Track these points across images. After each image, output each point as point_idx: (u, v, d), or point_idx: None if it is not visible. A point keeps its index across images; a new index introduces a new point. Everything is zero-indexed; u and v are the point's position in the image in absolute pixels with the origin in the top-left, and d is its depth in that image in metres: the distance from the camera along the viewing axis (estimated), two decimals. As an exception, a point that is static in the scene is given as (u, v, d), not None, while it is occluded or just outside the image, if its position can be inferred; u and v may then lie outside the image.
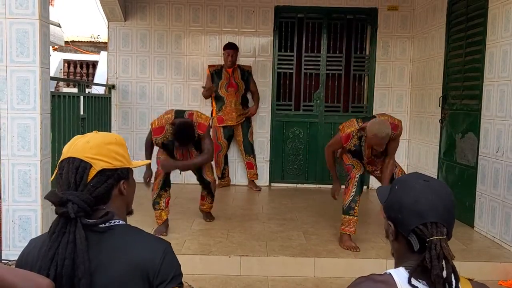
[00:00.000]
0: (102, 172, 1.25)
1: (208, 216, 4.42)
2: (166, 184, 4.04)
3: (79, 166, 1.23)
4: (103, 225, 1.23)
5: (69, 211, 1.17)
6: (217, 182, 5.90)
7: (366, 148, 3.76)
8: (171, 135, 3.85)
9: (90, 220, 1.21)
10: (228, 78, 5.70)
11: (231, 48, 5.69)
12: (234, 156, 6.12)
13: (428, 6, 5.58)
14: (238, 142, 5.89)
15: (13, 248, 3.50)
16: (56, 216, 1.21)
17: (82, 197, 1.20)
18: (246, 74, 5.82)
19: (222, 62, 5.82)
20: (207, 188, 4.28)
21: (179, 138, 3.77)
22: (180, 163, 4.00)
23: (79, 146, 1.27)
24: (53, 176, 1.29)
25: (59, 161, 1.29)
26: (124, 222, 1.31)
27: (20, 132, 3.43)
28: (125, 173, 1.32)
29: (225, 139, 5.80)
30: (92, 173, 1.24)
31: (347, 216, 3.71)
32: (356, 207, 3.69)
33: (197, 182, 6.09)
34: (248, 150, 5.89)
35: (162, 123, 3.90)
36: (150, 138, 4.02)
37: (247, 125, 5.87)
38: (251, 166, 5.94)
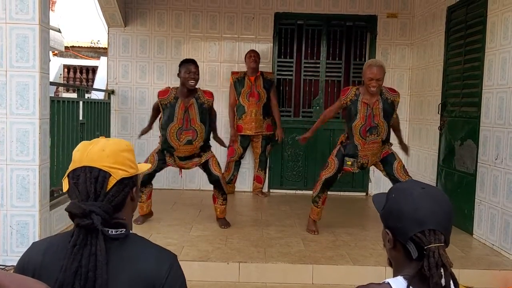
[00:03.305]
0: (121, 181, 1.24)
1: (223, 222, 4.40)
2: (150, 180, 4.32)
3: (98, 175, 1.21)
4: (114, 232, 1.22)
5: (95, 223, 1.16)
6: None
7: (362, 105, 3.92)
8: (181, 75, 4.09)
9: (112, 233, 1.21)
10: (250, 87, 5.63)
11: (252, 50, 5.70)
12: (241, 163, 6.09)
13: (427, 13, 5.60)
14: (256, 154, 5.87)
15: (11, 254, 3.48)
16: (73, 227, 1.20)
17: (104, 208, 1.19)
18: (268, 83, 5.74)
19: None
20: (217, 185, 4.28)
21: (187, 60, 4.16)
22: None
23: (94, 154, 1.24)
24: (66, 187, 1.26)
25: (70, 170, 1.26)
26: (131, 231, 1.30)
27: (19, 137, 3.43)
28: (137, 180, 1.32)
29: (241, 147, 5.76)
30: (112, 182, 1.23)
31: (314, 207, 4.26)
32: (320, 201, 4.22)
33: (196, 188, 6.10)
34: (263, 165, 5.90)
35: (167, 88, 4.25)
36: (156, 104, 4.27)
37: (267, 142, 5.84)
38: (259, 181, 5.95)
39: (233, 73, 5.82)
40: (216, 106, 5.91)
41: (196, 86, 4.14)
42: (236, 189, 6.09)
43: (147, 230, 4.16)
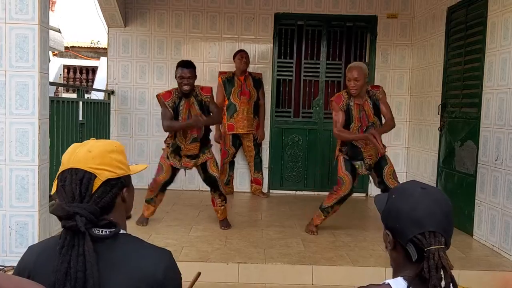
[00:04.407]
0: (107, 182, 1.24)
1: (224, 223, 4.38)
2: (164, 187, 4.33)
3: (83, 177, 1.21)
4: (106, 233, 1.22)
5: (79, 224, 1.15)
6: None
7: (355, 108, 3.97)
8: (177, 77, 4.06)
9: (100, 233, 1.20)
10: (241, 86, 5.63)
11: (242, 51, 5.67)
12: (236, 163, 6.08)
13: (428, 14, 5.60)
14: (249, 157, 5.85)
15: (10, 254, 3.47)
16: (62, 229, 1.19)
17: (89, 209, 1.18)
18: (257, 82, 5.77)
19: (232, 69, 5.74)
20: (214, 185, 4.26)
21: (182, 63, 4.08)
22: (200, 120, 3.99)
23: (80, 156, 1.24)
24: (54, 189, 1.26)
25: (59, 172, 1.26)
26: (125, 231, 1.29)
27: (18, 137, 3.42)
28: (127, 181, 1.31)
29: (233, 146, 5.74)
30: (97, 183, 1.22)
31: (322, 215, 4.24)
32: (330, 211, 4.21)
33: (196, 188, 6.09)
34: (258, 167, 5.88)
35: (169, 91, 4.20)
36: (166, 112, 4.08)
37: (257, 143, 5.83)
38: (258, 182, 5.93)
39: (221, 73, 5.80)
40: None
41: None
42: (235, 190, 6.08)
43: (147, 230, 4.16)
